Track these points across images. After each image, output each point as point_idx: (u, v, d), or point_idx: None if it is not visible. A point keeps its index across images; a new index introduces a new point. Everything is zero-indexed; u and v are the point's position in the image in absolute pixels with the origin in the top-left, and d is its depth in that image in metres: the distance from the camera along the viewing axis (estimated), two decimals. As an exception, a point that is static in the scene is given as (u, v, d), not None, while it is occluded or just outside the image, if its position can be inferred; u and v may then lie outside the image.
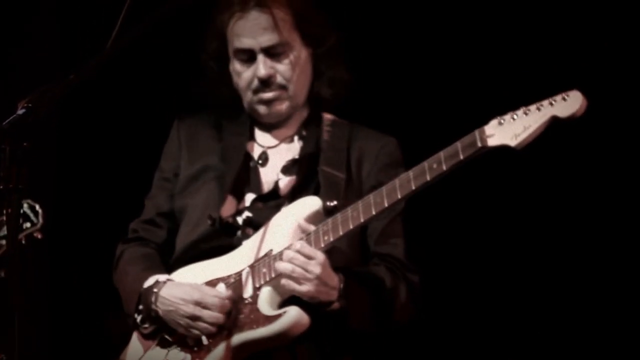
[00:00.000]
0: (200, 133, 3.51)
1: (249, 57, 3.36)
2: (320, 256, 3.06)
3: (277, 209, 3.30)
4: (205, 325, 3.15)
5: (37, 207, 3.30)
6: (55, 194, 4.72)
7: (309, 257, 3.05)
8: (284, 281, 3.08)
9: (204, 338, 3.17)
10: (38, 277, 4.68)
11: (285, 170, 3.39)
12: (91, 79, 2.75)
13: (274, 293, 3.16)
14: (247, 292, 3.18)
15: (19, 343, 2.57)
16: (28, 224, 3.29)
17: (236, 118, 3.49)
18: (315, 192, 3.30)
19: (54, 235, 3.84)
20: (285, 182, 3.36)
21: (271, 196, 3.35)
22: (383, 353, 3.96)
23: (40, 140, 2.81)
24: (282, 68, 3.36)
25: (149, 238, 3.48)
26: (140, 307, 3.28)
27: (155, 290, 3.23)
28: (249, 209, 3.34)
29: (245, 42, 3.35)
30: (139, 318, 3.28)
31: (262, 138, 3.47)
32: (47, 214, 3.31)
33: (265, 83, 3.35)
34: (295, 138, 3.45)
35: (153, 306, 3.22)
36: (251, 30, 3.34)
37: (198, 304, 3.16)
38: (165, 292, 3.22)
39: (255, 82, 3.36)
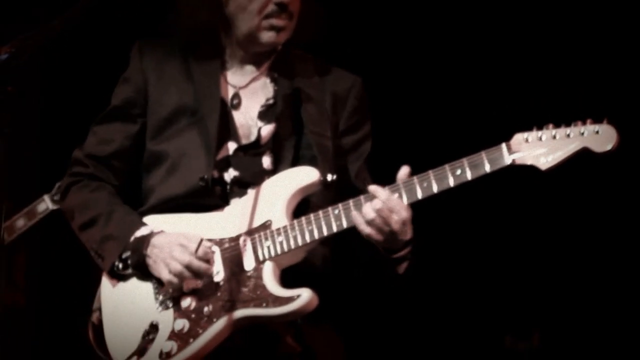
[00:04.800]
0: (166, 66, 3.39)
1: None
2: (403, 214, 3.06)
3: (258, 157, 3.31)
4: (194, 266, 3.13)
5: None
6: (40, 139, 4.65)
7: (392, 211, 3.04)
8: (354, 214, 3.08)
9: (205, 309, 3.16)
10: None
11: (263, 116, 3.35)
12: (75, 26, 2.68)
13: (276, 267, 3.18)
14: (249, 264, 3.17)
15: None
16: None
17: (205, 54, 3.39)
18: (297, 144, 3.31)
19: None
20: (266, 130, 3.33)
21: (252, 145, 3.33)
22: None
23: (25, 86, 2.75)
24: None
25: (105, 180, 3.38)
26: (126, 254, 3.22)
27: (149, 237, 3.20)
28: (232, 159, 3.30)
29: None
30: (120, 265, 3.23)
31: (232, 76, 3.40)
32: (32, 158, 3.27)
33: (284, 8, 3.28)
34: (266, 78, 3.40)
35: (144, 251, 3.19)
36: None
37: (185, 247, 3.15)
38: (158, 238, 3.18)
39: (271, 7, 3.29)
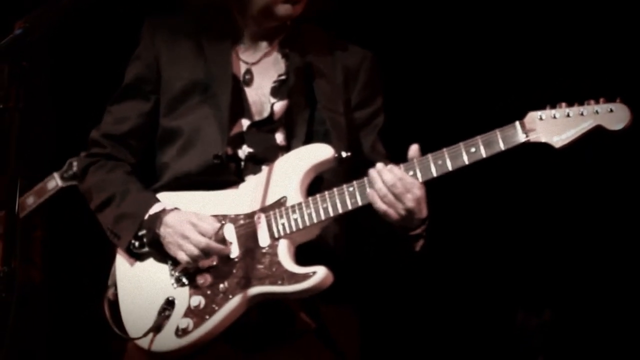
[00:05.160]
0: (177, 43, 3.38)
1: None
2: (417, 193, 3.06)
3: (271, 133, 3.31)
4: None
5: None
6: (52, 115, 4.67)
7: (407, 189, 3.05)
8: (369, 191, 3.08)
9: (221, 285, 3.16)
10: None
11: (275, 92, 3.34)
12: (88, 2, 2.71)
13: (291, 244, 3.18)
14: (264, 241, 3.18)
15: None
16: None
17: (216, 30, 3.38)
18: (310, 119, 3.30)
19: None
20: (279, 106, 3.33)
21: (265, 121, 3.32)
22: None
23: (39, 62, 2.75)
24: None
25: (122, 159, 3.39)
26: (142, 232, 3.22)
27: (161, 215, 3.20)
28: (245, 135, 3.30)
29: None
30: (136, 243, 3.23)
31: (244, 53, 3.40)
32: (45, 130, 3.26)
33: None
34: (278, 54, 3.39)
35: (157, 230, 3.19)
36: None
37: (195, 226, 3.15)
38: (170, 217, 3.18)
39: None
